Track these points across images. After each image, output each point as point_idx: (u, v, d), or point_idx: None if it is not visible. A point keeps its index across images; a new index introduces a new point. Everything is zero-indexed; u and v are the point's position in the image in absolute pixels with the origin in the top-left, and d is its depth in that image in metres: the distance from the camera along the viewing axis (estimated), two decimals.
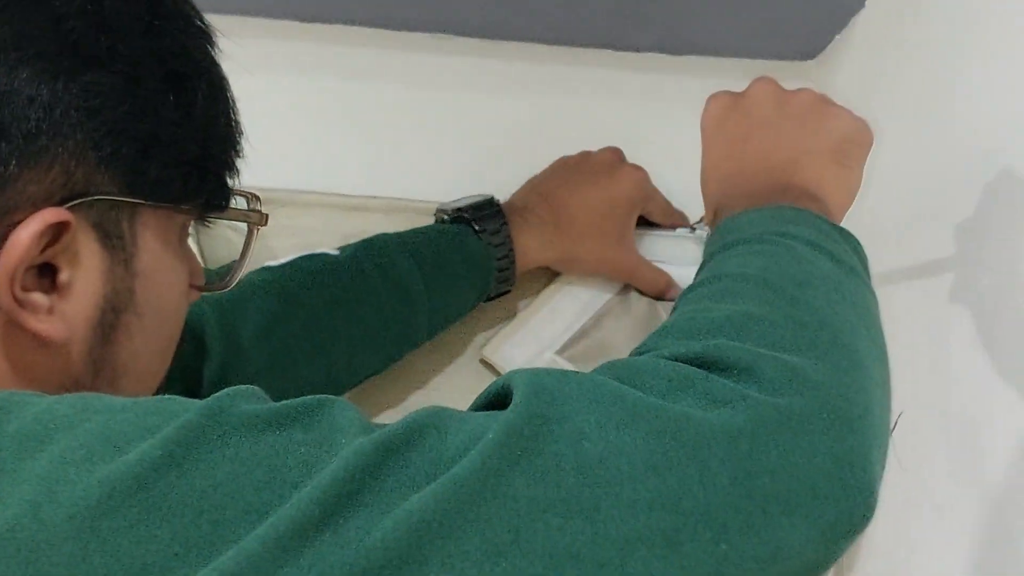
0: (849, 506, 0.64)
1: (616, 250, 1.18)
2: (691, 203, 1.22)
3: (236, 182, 0.81)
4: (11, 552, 0.57)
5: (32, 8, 0.70)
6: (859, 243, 0.82)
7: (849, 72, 1.25)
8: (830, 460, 0.64)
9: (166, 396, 0.65)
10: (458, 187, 1.20)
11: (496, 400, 0.65)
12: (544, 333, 1.19)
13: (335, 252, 1.09)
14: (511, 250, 1.14)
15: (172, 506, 0.58)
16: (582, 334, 1.20)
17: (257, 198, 0.84)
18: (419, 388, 1.18)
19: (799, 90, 0.92)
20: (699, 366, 0.67)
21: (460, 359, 1.20)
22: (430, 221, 1.18)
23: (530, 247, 1.16)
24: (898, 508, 1.11)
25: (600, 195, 1.17)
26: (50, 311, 0.71)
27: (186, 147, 0.75)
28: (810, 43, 1.28)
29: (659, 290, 1.21)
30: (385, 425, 0.62)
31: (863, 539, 1.15)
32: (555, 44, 1.27)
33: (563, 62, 1.28)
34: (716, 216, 0.88)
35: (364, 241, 1.11)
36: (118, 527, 0.57)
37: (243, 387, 0.64)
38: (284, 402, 0.63)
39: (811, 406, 0.65)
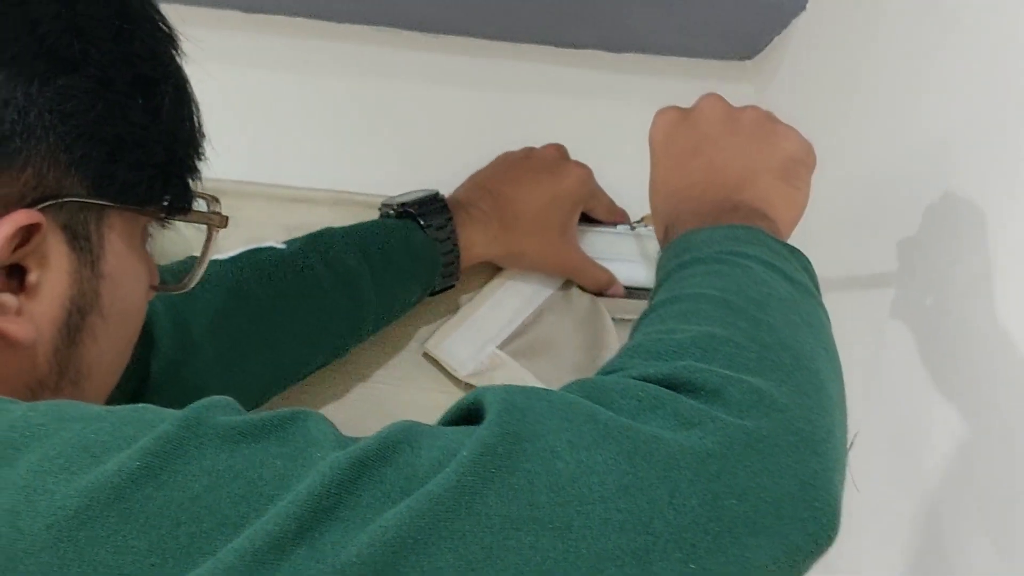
0: (814, 527, 0.65)
1: (559, 246, 1.19)
2: (632, 201, 1.24)
3: (198, 184, 0.81)
4: None
5: (7, 12, 0.71)
6: (808, 261, 0.84)
7: (787, 74, 1.27)
8: (795, 482, 0.65)
9: (140, 405, 0.65)
10: (401, 181, 1.20)
11: (466, 416, 0.66)
12: (486, 327, 1.20)
13: (282, 246, 1.08)
14: (456, 245, 1.15)
15: (150, 517, 0.58)
16: (524, 329, 1.21)
17: (217, 200, 0.84)
18: (362, 381, 1.18)
19: (746, 107, 0.94)
20: (668, 387, 0.68)
21: (403, 352, 1.20)
22: (374, 214, 1.18)
23: (474, 242, 1.16)
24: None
25: (543, 191, 1.18)
26: (18, 312, 0.71)
27: (153, 150, 0.76)
28: (749, 43, 1.30)
29: (601, 286, 1.22)
30: (359, 439, 0.63)
31: None
32: (496, 40, 1.28)
33: (505, 57, 1.28)
34: (667, 232, 0.89)
35: (311, 235, 1.11)
36: (96, 537, 0.57)
37: (218, 398, 0.65)
38: (259, 414, 0.63)
39: (777, 429, 0.67)
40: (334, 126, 1.25)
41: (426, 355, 1.20)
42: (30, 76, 0.70)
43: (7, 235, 0.69)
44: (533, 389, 0.66)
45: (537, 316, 1.21)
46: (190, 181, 0.80)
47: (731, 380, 0.68)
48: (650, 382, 0.69)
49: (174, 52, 0.78)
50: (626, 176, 1.23)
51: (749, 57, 1.30)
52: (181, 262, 0.98)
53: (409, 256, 1.12)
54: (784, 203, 0.89)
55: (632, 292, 1.22)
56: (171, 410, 0.63)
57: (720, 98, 0.95)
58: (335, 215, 1.19)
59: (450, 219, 1.15)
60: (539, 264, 1.21)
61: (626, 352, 0.74)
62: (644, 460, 0.63)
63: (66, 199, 0.72)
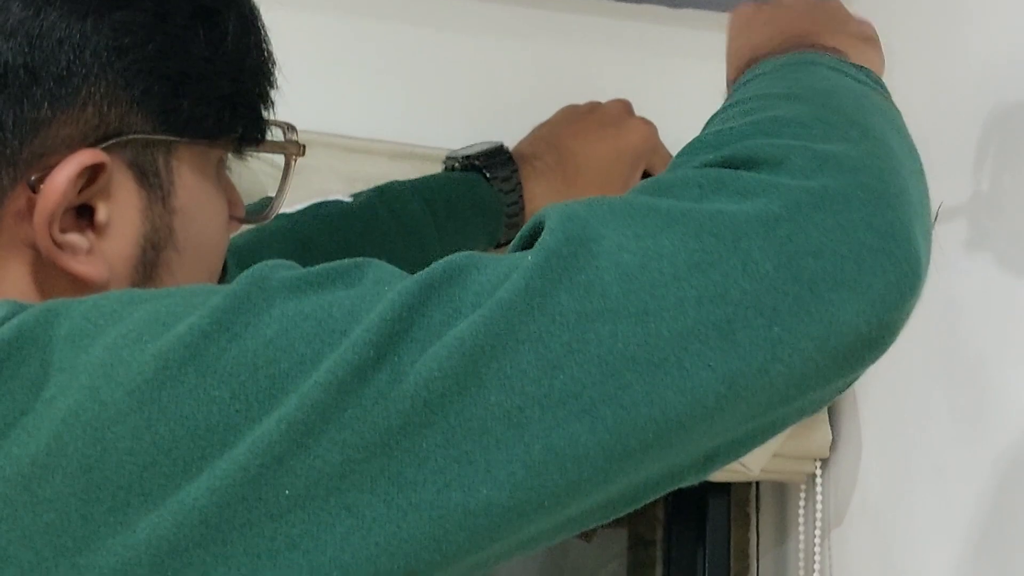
0: (896, 276, 0.64)
1: None
2: None
3: (271, 114, 0.79)
4: (77, 434, 0.57)
5: None
6: (881, 79, 0.82)
7: None
8: (872, 234, 0.64)
9: (203, 284, 0.66)
10: (463, 133, 1.18)
11: (531, 238, 0.64)
12: None
13: (348, 199, 1.07)
14: (521, 197, 1.13)
15: (227, 367, 0.58)
16: None
17: (293, 128, 0.82)
18: None
19: None
20: (729, 168, 0.67)
21: None
22: (435, 167, 1.16)
23: (538, 195, 1.14)
24: (897, 469, 1.13)
25: (608, 146, 1.16)
26: (89, 252, 0.71)
27: (218, 82, 0.74)
28: None
29: None
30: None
31: (858, 496, 1.17)
32: None
33: (567, 10, 1.26)
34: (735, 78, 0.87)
35: (377, 188, 1.09)
36: (177, 394, 0.58)
37: (278, 260, 0.64)
38: (323, 264, 0.63)
39: (846, 186, 0.66)
40: (396, 76, 1.23)
41: None
42: (83, 12, 0.69)
43: (71, 176, 0.68)
44: (592, 198, 0.65)
45: None
46: (262, 111, 0.78)
47: (794, 149, 0.67)
48: (712, 167, 0.68)
49: None
50: (684, 132, 1.22)
51: None
52: (258, 203, 0.97)
53: (475, 209, 1.11)
54: (860, 56, 0.85)
55: None
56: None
57: None
58: (396, 167, 1.17)
59: (515, 171, 1.13)
60: None
61: (687, 149, 0.73)
62: (711, 235, 0.62)
63: (131, 136, 0.71)
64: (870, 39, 0.88)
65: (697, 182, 0.66)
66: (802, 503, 1.22)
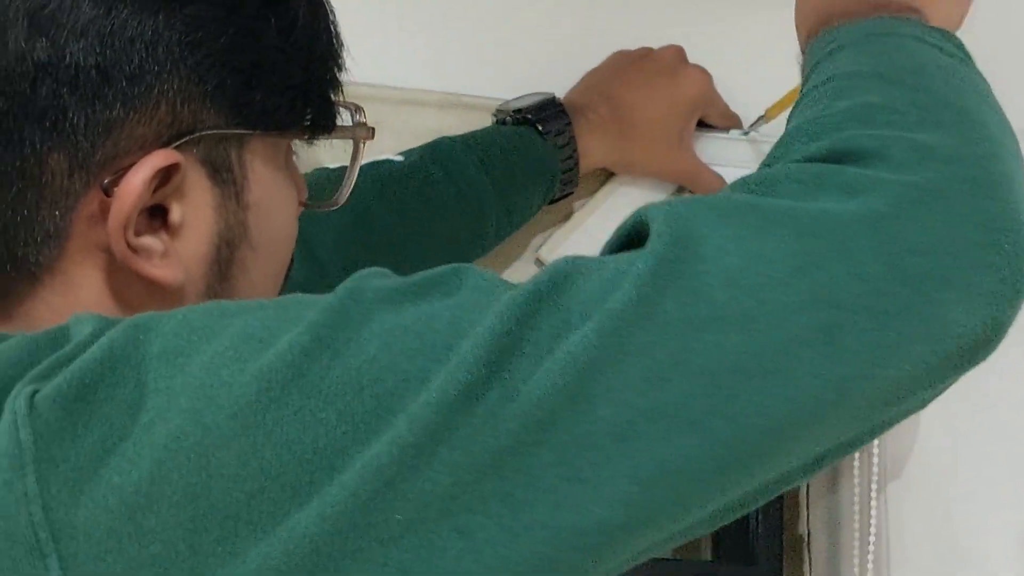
0: (1007, 270, 0.63)
1: (676, 153, 1.14)
2: (744, 105, 1.19)
3: (340, 96, 0.76)
4: (181, 461, 0.56)
5: None
6: (963, 43, 0.79)
7: None
8: (978, 228, 0.63)
9: (295, 294, 0.63)
10: (510, 82, 1.14)
11: (629, 239, 0.63)
12: (600, 234, 1.15)
13: (399, 158, 1.04)
14: (575, 151, 1.10)
15: (331, 387, 0.56)
16: None
17: (360, 109, 0.79)
18: None
19: None
20: (829, 162, 0.66)
21: (517, 262, 1.15)
22: (485, 117, 1.13)
23: (592, 148, 1.12)
24: (959, 426, 1.12)
25: (662, 97, 1.13)
26: (164, 254, 0.69)
27: (290, 71, 0.71)
28: None
29: (713, 193, 1.18)
30: (523, 282, 0.61)
31: (917, 449, 1.16)
32: None
33: None
34: (809, 37, 0.84)
35: (428, 146, 1.06)
36: (282, 417, 0.56)
37: (371, 268, 0.63)
38: (419, 273, 0.62)
39: (948, 179, 0.64)
40: (442, 25, 1.18)
41: (539, 262, 1.16)
42: (155, 8, 0.66)
43: (145, 179, 0.66)
44: (694, 197, 0.64)
45: None
46: (331, 96, 0.75)
47: (893, 140, 0.65)
48: (811, 161, 0.66)
49: None
50: (737, 79, 1.19)
51: None
52: (311, 175, 0.95)
53: (529, 164, 1.08)
54: (939, 14, 0.82)
55: None
56: (325, 294, 0.61)
57: None
58: (444, 118, 1.14)
59: (568, 124, 1.09)
60: (654, 170, 1.15)
61: (784, 140, 0.71)
62: (814, 237, 0.60)
63: (204, 132, 0.68)
64: None
65: (798, 178, 0.64)
66: (857, 453, 1.20)
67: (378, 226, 1.00)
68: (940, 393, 0.66)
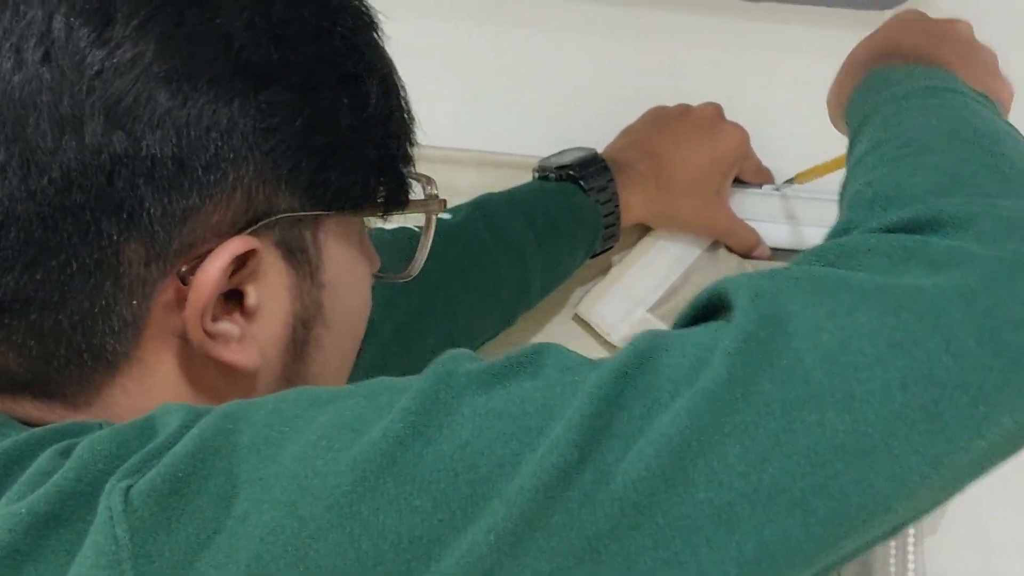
0: None
1: (714, 208, 1.13)
2: (775, 159, 1.20)
3: (412, 169, 0.75)
4: (278, 554, 0.55)
5: (199, 31, 0.65)
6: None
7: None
8: None
9: (380, 378, 0.62)
10: (547, 138, 1.14)
11: (705, 310, 0.62)
12: (637, 290, 1.14)
13: (446, 216, 1.03)
14: (617, 207, 1.09)
15: (426, 474, 0.55)
16: (673, 291, 1.16)
17: (431, 180, 0.77)
18: (515, 347, 1.14)
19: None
20: (912, 231, 0.65)
21: (556, 318, 1.15)
22: (523, 175, 1.12)
23: (633, 203, 1.11)
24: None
25: (703, 153, 1.12)
26: (241, 338, 0.67)
27: (365, 150, 0.70)
28: None
29: (749, 247, 1.16)
30: (606, 359, 0.60)
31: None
32: None
33: (642, 5, 1.21)
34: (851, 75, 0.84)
35: (473, 203, 1.05)
36: (378, 506, 0.55)
37: (458, 350, 0.62)
38: (504, 355, 0.61)
39: None
40: (480, 83, 1.18)
41: (577, 318, 1.15)
42: (229, 97, 0.65)
43: (223, 266, 0.65)
44: (774, 270, 0.63)
45: (686, 278, 1.17)
46: (405, 172, 0.74)
47: (979, 211, 0.65)
48: (894, 231, 0.65)
49: (377, 37, 0.72)
50: (765, 132, 1.21)
51: (889, 7, 1.26)
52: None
53: (573, 220, 1.07)
54: (988, 81, 0.83)
55: (777, 253, 1.17)
56: (411, 376, 0.60)
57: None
58: (483, 177, 1.13)
59: (611, 181, 1.09)
60: (691, 225, 1.15)
61: (858, 202, 0.69)
62: (909, 313, 0.59)
63: (279, 216, 0.67)
64: (992, 73, 0.87)
65: (884, 251, 0.63)
66: None
67: (426, 282, 0.99)
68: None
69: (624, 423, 0.56)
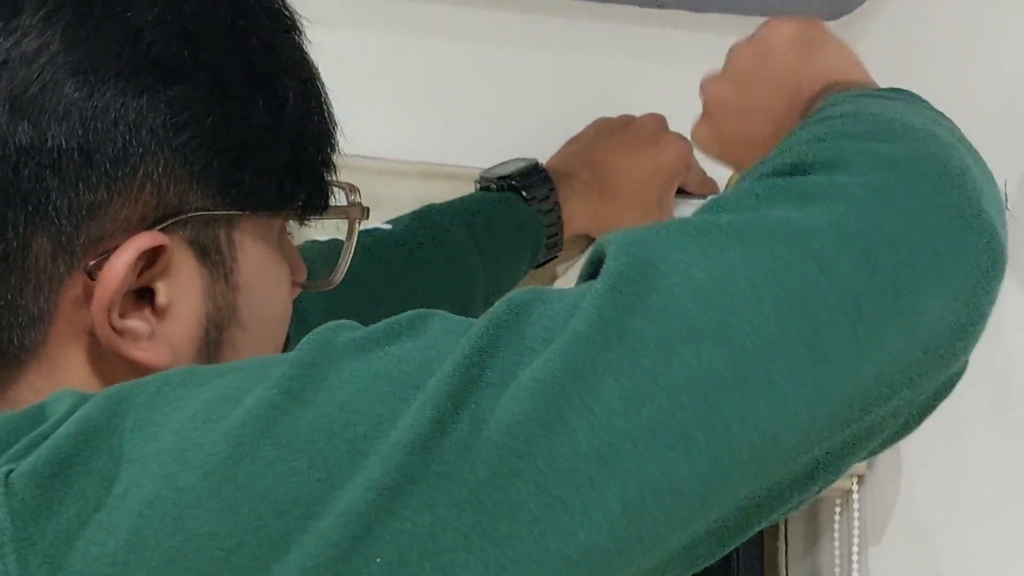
0: (975, 253, 0.63)
1: (656, 218, 1.11)
2: (720, 169, 1.20)
3: (333, 176, 0.73)
4: (156, 526, 0.54)
5: (108, 23, 0.64)
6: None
7: (875, 36, 1.24)
8: (942, 216, 0.63)
9: (264, 355, 0.63)
10: (491, 150, 1.14)
11: (592, 271, 0.61)
12: None
13: (388, 226, 1.02)
14: (559, 217, 1.10)
15: (303, 435, 0.55)
16: None
17: (355, 188, 0.77)
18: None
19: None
20: (785, 175, 0.65)
21: None
22: (466, 185, 1.12)
23: (576, 213, 1.11)
24: (943, 488, 1.12)
25: (645, 164, 1.13)
26: (151, 336, 0.66)
27: (279, 151, 0.69)
28: (836, 4, 1.25)
29: None
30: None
31: (899, 514, 1.16)
32: None
33: (587, 18, 1.21)
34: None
35: (415, 213, 1.05)
36: (256, 470, 0.54)
37: (340, 321, 0.61)
38: (384, 320, 0.60)
39: (906, 175, 0.64)
40: (421, 95, 1.18)
41: None
42: (138, 91, 0.64)
43: (129, 262, 0.64)
44: (648, 224, 0.62)
45: None
46: (324, 177, 0.72)
47: (847, 148, 0.65)
48: (765, 178, 0.65)
49: (297, 39, 0.71)
50: None
51: (835, 17, 1.27)
52: (301, 249, 0.94)
53: (515, 230, 1.07)
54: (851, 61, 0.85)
55: None
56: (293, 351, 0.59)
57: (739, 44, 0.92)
58: (426, 188, 1.12)
59: (553, 190, 1.09)
60: None
61: (743, 175, 0.70)
62: (781, 243, 0.59)
63: (190, 214, 0.66)
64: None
65: (752, 192, 0.63)
66: (837, 518, 1.21)
67: (369, 293, 0.98)
68: (929, 404, 0.66)
69: (497, 371, 0.55)
